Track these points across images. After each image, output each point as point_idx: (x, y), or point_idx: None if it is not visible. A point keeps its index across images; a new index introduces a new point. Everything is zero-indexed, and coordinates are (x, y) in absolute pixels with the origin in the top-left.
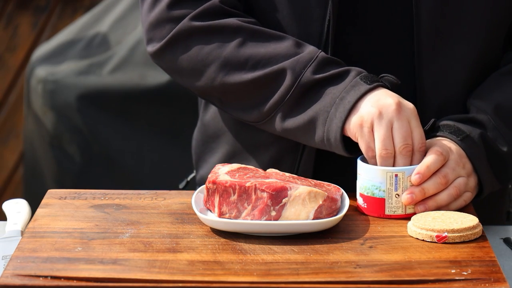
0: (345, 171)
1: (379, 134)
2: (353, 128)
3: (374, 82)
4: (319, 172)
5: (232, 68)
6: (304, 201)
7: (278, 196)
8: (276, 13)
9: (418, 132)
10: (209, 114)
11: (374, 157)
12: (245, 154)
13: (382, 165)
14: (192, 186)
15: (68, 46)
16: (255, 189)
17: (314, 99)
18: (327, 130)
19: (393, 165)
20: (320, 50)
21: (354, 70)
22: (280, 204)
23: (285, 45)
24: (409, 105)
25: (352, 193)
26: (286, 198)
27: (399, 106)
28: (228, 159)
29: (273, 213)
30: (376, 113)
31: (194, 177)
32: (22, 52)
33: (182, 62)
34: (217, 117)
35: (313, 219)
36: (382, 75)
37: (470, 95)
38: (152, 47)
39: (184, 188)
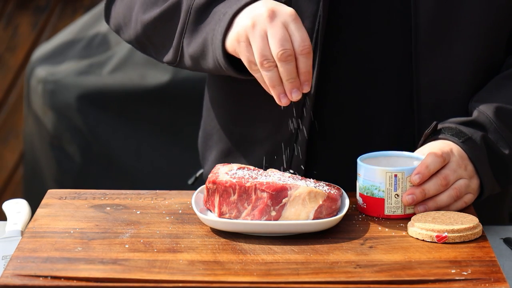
0: (341, 173)
1: (255, 45)
2: (231, 45)
3: None
4: (312, 166)
5: (148, 6)
6: (304, 201)
7: (278, 196)
8: None
9: (298, 35)
10: (205, 112)
11: (257, 71)
12: (240, 151)
13: (264, 76)
14: (200, 182)
15: (68, 46)
16: (255, 189)
17: (207, 21)
18: (213, 49)
19: (279, 76)
20: None
21: None
22: (280, 204)
23: None
24: (285, 9)
25: (351, 193)
26: (286, 198)
27: (272, 12)
28: (224, 156)
29: (273, 213)
30: (249, 24)
31: (201, 174)
32: (22, 52)
33: (119, 12)
34: (210, 115)
35: (313, 219)
36: None
37: (472, 98)
38: (104, 10)
39: (193, 184)
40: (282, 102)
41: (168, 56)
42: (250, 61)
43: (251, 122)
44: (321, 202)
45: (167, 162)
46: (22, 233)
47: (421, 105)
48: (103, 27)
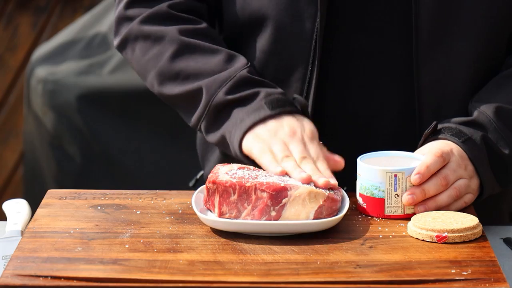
0: (342, 172)
1: (275, 148)
2: (249, 145)
3: (278, 108)
4: None
5: (165, 79)
6: (304, 201)
7: (278, 196)
8: (267, 12)
9: (314, 152)
10: None
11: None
12: None
13: (288, 166)
14: (201, 184)
15: (68, 46)
16: (255, 189)
17: (224, 119)
18: (232, 149)
19: (295, 163)
20: (245, 67)
21: (264, 92)
22: (280, 204)
23: (216, 60)
24: (306, 127)
25: (351, 193)
26: (286, 199)
27: (293, 131)
28: (226, 156)
29: (273, 213)
30: (270, 134)
31: (202, 175)
32: (22, 52)
33: (132, 61)
34: None
35: (313, 219)
36: (294, 96)
37: (472, 98)
38: (115, 41)
39: (193, 186)
40: (322, 182)
41: (188, 122)
42: (265, 154)
43: None
44: (321, 202)
45: (167, 162)
46: (22, 233)
47: (422, 105)
48: (103, 27)
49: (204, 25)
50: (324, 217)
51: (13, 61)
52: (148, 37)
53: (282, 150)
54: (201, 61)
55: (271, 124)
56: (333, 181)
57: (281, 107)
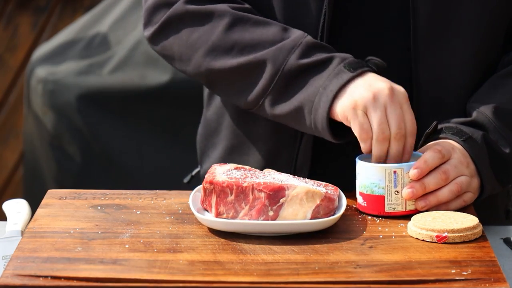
0: (344, 169)
1: (376, 118)
2: (345, 112)
3: (358, 68)
4: (317, 163)
5: (218, 53)
6: (301, 201)
7: (275, 196)
8: (272, 7)
9: (409, 116)
10: (212, 110)
11: (368, 139)
12: (244, 148)
13: (376, 148)
14: (196, 180)
15: (68, 46)
16: (253, 189)
17: (298, 88)
18: (313, 119)
19: (387, 150)
20: (306, 35)
21: (338, 56)
22: (278, 204)
23: (271, 30)
24: (401, 89)
25: (351, 192)
26: (284, 198)
27: (391, 90)
28: (228, 154)
29: (271, 213)
30: (370, 97)
31: (198, 172)
32: (22, 52)
33: (174, 46)
34: (219, 112)
35: (310, 219)
36: (368, 58)
37: (469, 99)
38: (148, 31)
39: (189, 183)
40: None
41: (238, 102)
42: (363, 129)
43: (255, 119)
44: (318, 202)
45: (167, 162)
46: (22, 233)
47: (420, 102)
48: (103, 27)
49: (248, 5)
50: (322, 217)
51: (13, 61)
52: (197, 14)
53: (380, 124)
54: (256, 32)
55: (360, 81)
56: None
57: (361, 68)
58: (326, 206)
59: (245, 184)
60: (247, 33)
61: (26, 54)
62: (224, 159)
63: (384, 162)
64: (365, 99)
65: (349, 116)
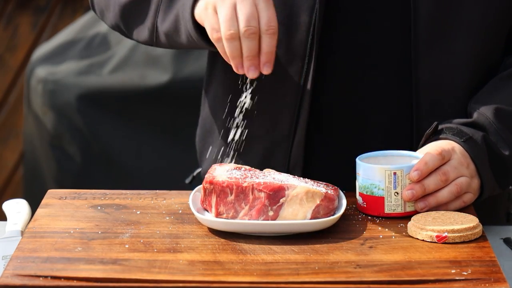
0: (340, 169)
1: (221, 15)
2: (199, 14)
3: None
4: (310, 162)
5: None
6: (301, 201)
7: (275, 196)
8: None
9: (265, 14)
10: (206, 110)
11: (219, 39)
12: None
13: (226, 47)
14: (198, 181)
15: (68, 46)
16: (253, 189)
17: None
18: (184, 23)
19: (240, 49)
20: None
21: None
22: (278, 204)
23: None
24: None
25: (351, 192)
26: (284, 198)
27: None
28: (223, 154)
29: (271, 213)
30: None
31: (199, 172)
32: (22, 52)
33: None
34: (212, 111)
35: (310, 219)
36: None
37: (471, 100)
38: None
39: (190, 183)
40: (239, 72)
41: (145, 37)
42: (213, 28)
43: (249, 119)
44: (318, 202)
45: (167, 162)
46: (22, 233)
47: (420, 101)
48: (103, 27)
49: None
50: (321, 217)
51: (13, 61)
52: None
53: (227, 20)
54: None
55: None
56: (266, 70)
57: None
58: (326, 206)
59: (245, 184)
60: None
61: (26, 54)
62: (220, 158)
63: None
64: None
65: (202, 17)
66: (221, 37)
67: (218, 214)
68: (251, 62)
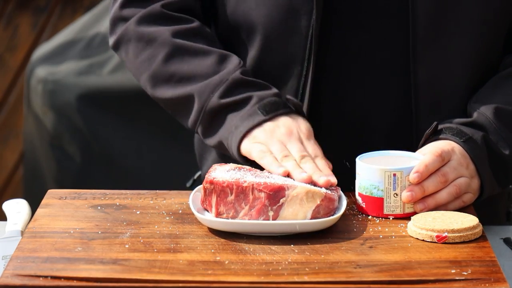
0: (338, 168)
1: (275, 148)
2: (247, 150)
3: (272, 112)
4: None
5: (158, 81)
6: (301, 201)
7: (275, 196)
8: (263, 9)
9: (311, 146)
10: None
11: (273, 161)
12: None
13: (285, 166)
14: (198, 184)
15: (68, 46)
16: (253, 189)
17: (219, 125)
18: (232, 154)
19: (296, 163)
20: (238, 68)
21: (256, 97)
22: (278, 204)
23: (207, 62)
24: (303, 126)
25: (351, 192)
26: (284, 198)
27: (290, 130)
28: (222, 156)
29: (271, 213)
30: (268, 135)
31: (200, 176)
32: (22, 52)
33: (126, 63)
34: None
35: (310, 219)
36: (287, 97)
37: (470, 99)
38: (110, 41)
39: (191, 186)
40: (323, 181)
41: (185, 125)
42: (263, 152)
43: None
44: (318, 202)
45: (167, 162)
46: (22, 233)
47: (419, 101)
48: (103, 27)
49: (196, 23)
50: (322, 217)
51: (13, 61)
52: (141, 39)
53: (281, 150)
54: (193, 63)
55: (267, 125)
56: (333, 180)
57: (275, 111)
58: (326, 206)
59: (245, 184)
60: (185, 65)
61: (26, 54)
62: (220, 162)
63: (313, 183)
64: (262, 137)
65: (247, 150)
66: (263, 155)
67: (218, 214)
68: (318, 175)
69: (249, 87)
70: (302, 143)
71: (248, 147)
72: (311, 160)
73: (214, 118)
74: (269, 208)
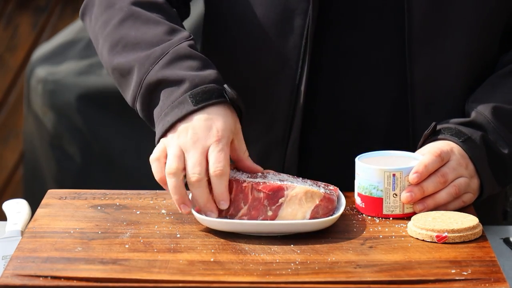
0: (335, 169)
1: (169, 160)
2: (163, 140)
3: (202, 102)
4: (307, 163)
5: (109, 47)
6: (300, 201)
7: (274, 196)
8: (257, 7)
9: (213, 157)
10: None
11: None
12: None
13: (193, 193)
14: None
15: (68, 46)
16: (252, 189)
17: (155, 102)
18: (156, 139)
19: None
20: (185, 39)
21: (189, 82)
22: (277, 204)
23: (156, 31)
24: (209, 138)
25: (351, 192)
26: (283, 198)
27: (196, 139)
28: None
29: (270, 213)
30: (175, 137)
31: None
32: (22, 52)
33: (89, 30)
34: None
35: (309, 219)
36: (225, 85)
37: (468, 99)
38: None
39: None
40: (182, 210)
41: (127, 98)
42: (162, 179)
43: (240, 122)
44: (317, 202)
45: None
46: (22, 233)
47: (415, 101)
48: None
49: (162, 0)
50: (321, 217)
51: (13, 61)
52: (102, 3)
53: (172, 161)
54: (141, 30)
55: (183, 125)
56: (222, 206)
57: (206, 101)
58: (325, 206)
59: (244, 184)
60: (133, 31)
61: (26, 54)
62: None
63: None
64: (170, 140)
65: (154, 151)
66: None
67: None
68: (205, 208)
69: (190, 62)
70: (205, 152)
71: (158, 145)
72: (202, 186)
73: (152, 94)
74: (268, 208)
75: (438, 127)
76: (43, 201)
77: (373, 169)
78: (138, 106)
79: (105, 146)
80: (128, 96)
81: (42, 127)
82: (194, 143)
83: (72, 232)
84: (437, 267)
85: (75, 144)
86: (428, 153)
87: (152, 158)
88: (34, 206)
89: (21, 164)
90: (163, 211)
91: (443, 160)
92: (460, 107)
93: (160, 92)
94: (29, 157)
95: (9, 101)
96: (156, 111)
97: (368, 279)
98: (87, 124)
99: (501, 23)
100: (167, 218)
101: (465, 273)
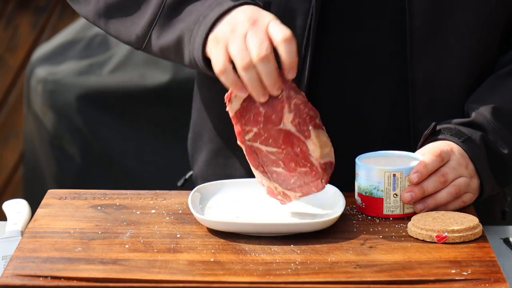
0: (338, 167)
1: (233, 48)
2: (208, 47)
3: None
4: None
5: None
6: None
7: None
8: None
9: (277, 29)
10: (195, 113)
11: (223, 72)
12: (229, 151)
13: (243, 76)
14: (190, 184)
15: (68, 46)
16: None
17: (181, 17)
18: (191, 49)
19: (257, 76)
20: None
21: None
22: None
23: None
24: (266, 16)
25: (351, 192)
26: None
27: (252, 20)
28: (213, 157)
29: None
30: (229, 30)
31: (191, 175)
32: (22, 52)
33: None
34: (201, 115)
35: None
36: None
37: (467, 100)
38: None
39: (182, 186)
40: (262, 100)
41: (132, 40)
42: (217, 61)
43: None
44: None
45: (167, 162)
46: (22, 233)
47: (416, 101)
48: None
49: None
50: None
51: (13, 61)
52: None
53: (240, 52)
54: None
55: (231, 16)
56: (291, 75)
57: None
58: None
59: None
60: None
61: (26, 54)
62: (211, 162)
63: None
64: (224, 32)
65: (210, 50)
66: (226, 70)
67: (242, 128)
68: (272, 85)
69: None
70: (265, 29)
71: (209, 50)
72: (267, 59)
73: (176, 11)
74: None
75: (438, 127)
76: (43, 201)
77: (373, 169)
78: (156, 30)
79: (105, 146)
80: (140, 27)
81: (42, 127)
82: (253, 23)
83: (72, 232)
84: (437, 267)
85: (75, 144)
86: (428, 153)
87: (219, 70)
88: (34, 206)
89: (21, 164)
90: (163, 211)
91: (443, 160)
92: (460, 107)
93: (185, 6)
94: (29, 157)
95: (9, 101)
96: (189, 21)
97: (368, 279)
98: (87, 124)
99: (502, 22)
100: (167, 218)
101: (465, 273)
